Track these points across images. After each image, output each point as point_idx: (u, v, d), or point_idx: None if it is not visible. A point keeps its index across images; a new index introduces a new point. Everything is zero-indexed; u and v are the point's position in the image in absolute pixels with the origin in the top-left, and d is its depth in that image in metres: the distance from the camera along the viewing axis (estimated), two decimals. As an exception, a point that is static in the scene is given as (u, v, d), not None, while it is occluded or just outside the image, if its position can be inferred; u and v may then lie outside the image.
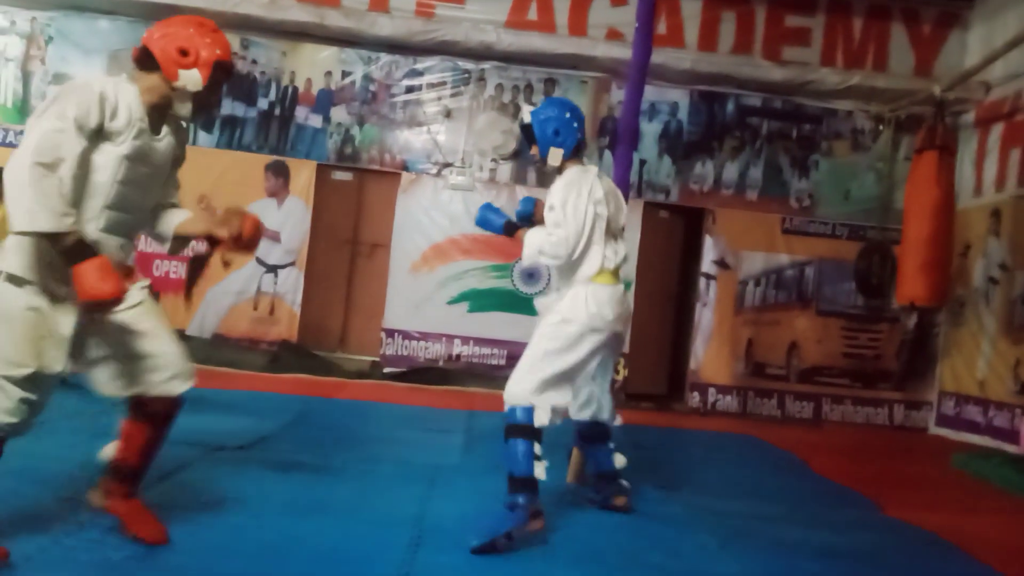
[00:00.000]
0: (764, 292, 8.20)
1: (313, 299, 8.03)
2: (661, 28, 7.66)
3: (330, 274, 8.15)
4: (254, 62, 8.04)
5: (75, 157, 2.37)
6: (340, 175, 8.19)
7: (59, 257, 2.33)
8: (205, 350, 7.73)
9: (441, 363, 8.00)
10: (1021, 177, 7.14)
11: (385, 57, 8.07)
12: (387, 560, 2.76)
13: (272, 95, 8.07)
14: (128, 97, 2.53)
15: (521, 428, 3.23)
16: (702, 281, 8.19)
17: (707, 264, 8.18)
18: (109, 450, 2.74)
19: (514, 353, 7.96)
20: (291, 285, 7.94)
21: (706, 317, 8.17)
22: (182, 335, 7.75)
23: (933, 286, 6.81)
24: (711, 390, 8.09)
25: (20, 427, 2.43)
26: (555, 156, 3.51)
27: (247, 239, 2.77)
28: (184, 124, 2.82)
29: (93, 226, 2.48)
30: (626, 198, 4.46)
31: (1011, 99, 7.40)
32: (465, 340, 8.01)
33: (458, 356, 8.01)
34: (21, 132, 7.86)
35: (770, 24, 8.05)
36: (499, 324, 7.98)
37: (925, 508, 4.34)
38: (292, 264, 7.92)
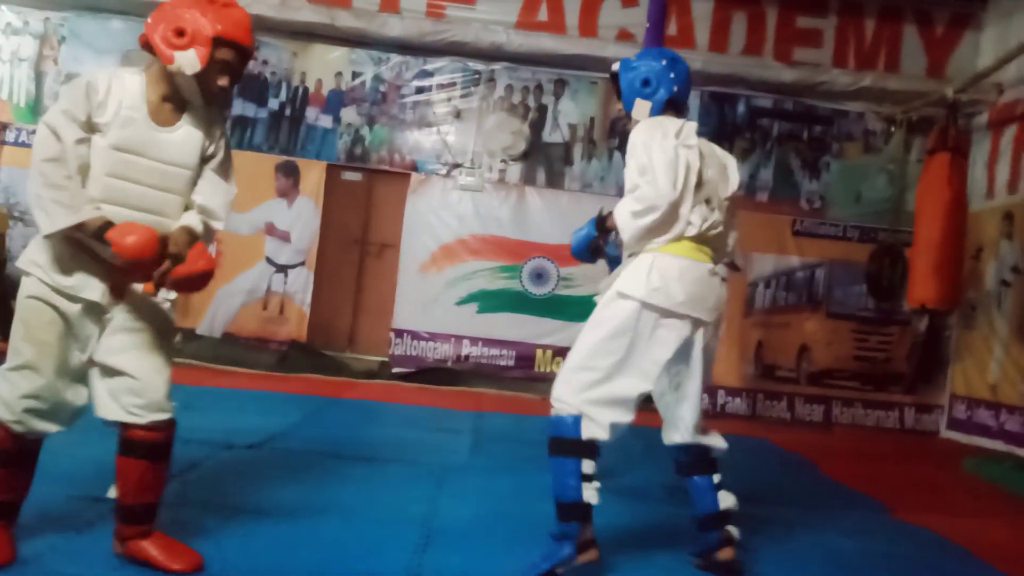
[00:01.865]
0: (774, 294, 8.17)
1: (322, 299, 8.05)
2: (672, 29, 7.63)
3: (339, 274, 8.17)
4: (265, 63, 8.07)
5: (72, 147, 2.32)
6: (350, 175, 8.20)
7: (93, 243, 2.31)
8: (215, 349, 7.78)
9: (450, 363, 8.00)
10: (1034, 179, 7.10)
11: (395, 58, 8.09)
12: (395, 560, 2.75)
13: (283, 95, 8.10)
14: (125, 87, 2.41)
15: (567, 443, 2.64)
16: (712, 283, 8.15)
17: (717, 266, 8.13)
18: (112, 491, 2.55)
19: (523, 354, 7.98)
20: (301, 285, 7.96)
21: (716, 319, 8.13)
22: (192, 334, 7.80)
23: (945, 289, 6.77)
24: (720, 392, 8.06)
25: (30, 425, 2.41)
26: (641, 110, 2.87)
27: (184, 275, 2.40)
28: (219, 117, 2.62)
29: None
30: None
31: (1024, 101, 7.35)
32: (474, 341, 8.01)
33: (467, 357, 8.01)
34: (34, 131, 7.95)
35: (781, 25, 8.03)
36: (508, 325, 7.98)
37: (936, 512, 4.31)
38: (302, 264, 7.94)
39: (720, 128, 8.17)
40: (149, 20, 2.44)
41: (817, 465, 5.52)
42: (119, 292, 2.43)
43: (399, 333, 8.01)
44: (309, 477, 3.85)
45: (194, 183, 2.56)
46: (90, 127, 2.37)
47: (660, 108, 2.86)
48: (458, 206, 8.09)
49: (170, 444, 2.53)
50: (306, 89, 8.11)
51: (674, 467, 2.99)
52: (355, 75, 8.12)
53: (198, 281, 2.46)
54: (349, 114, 8.13)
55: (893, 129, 8.16)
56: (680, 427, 2.86)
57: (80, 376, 2.46)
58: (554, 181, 8.21)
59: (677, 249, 2.71)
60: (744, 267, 8.12)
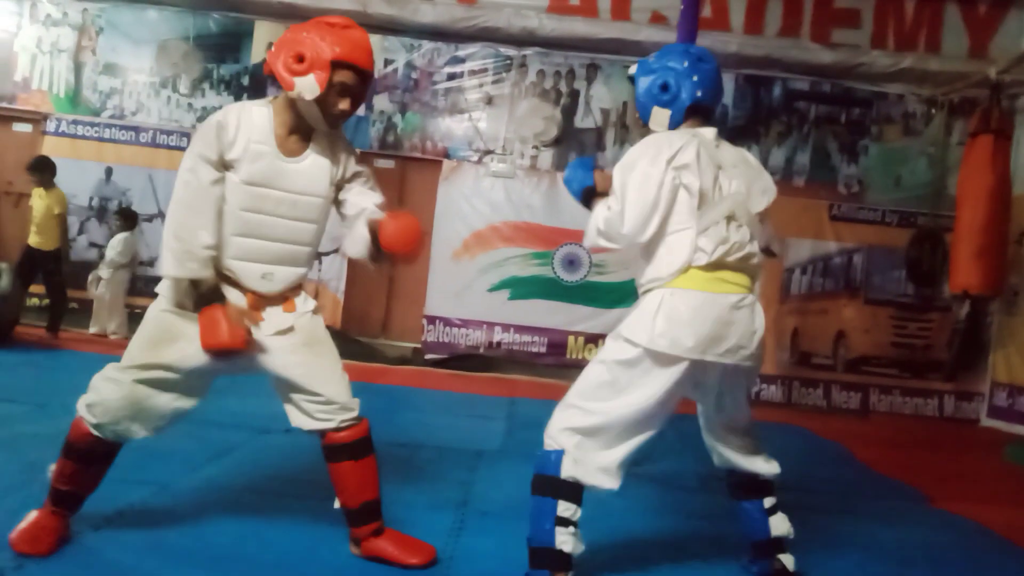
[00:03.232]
0: (811, 280, 8.06)
1: (356, 286, 8.11)
2: (706, 11, 7.52)
3: (373, 261, 8.20)
4: (298, 51, 8.09)
5: (208, 188, 2.39)
6: (382, 163, 8.23)
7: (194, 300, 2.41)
8: (251, 336, 7.88)
9: (482, 350, 8.02)
10: (1081, 162, 6.90)
11: (427, 44, 8.08)
12: (431, 543, 2.77)
13: (316, 83, 8.13)
14: (253, 121, 2.45)
15: (547, 481, 2.42)
16: (746, 269, 8.07)
17: (752, 251, 8.05)
18: (336, 502, 2.64)
19: (554, 341, 7.98)
20: (335, 272, 8.03)
21: (750, 305, 8.05)
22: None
23: (987, 274, 6.62)
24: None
25: (119, 428, 2.46)
26: (659, 119, 2.54)
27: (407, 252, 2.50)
28: (343, 139, 2.66)
29: (226, 254, 2.45)
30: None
31: (1071, 81, 7.14)
32: (506, 327, 8.02)
33: (499, 343, 8.02)
34: (74, 121, 8.12)
35: (819, 6, 7.87)
36: (540, 312, 7.97)
37: (976, 501, 4.24)
38: (336, 251, 8.00)
39: (755, 111, 8.07)
40: (272, 48, 2.47)
41: (854, 453, 5.45)
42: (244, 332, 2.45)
43: (431, 320, 8.05)
44: (344, 462, 3.88)
45: (327, 210, 2.61)
46: (223, 165, 2.42)
47: (682, 116, 2.52)
48: (490, 193, 8.08)
49: (368, 439, 2.61)
50: (339, 77, 8.13)
51: (727, 489, 2.79)
52: (387, 62, 8.14)
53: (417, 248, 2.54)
54: (382, 101, 8.15)
55: (934, 111, 7.98)
56: (717, 451, 2.69)
57: (190, 389, 2.52)
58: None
59: (690, 282, 2.38)
60: (781, 253, 8.02)
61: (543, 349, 7.99)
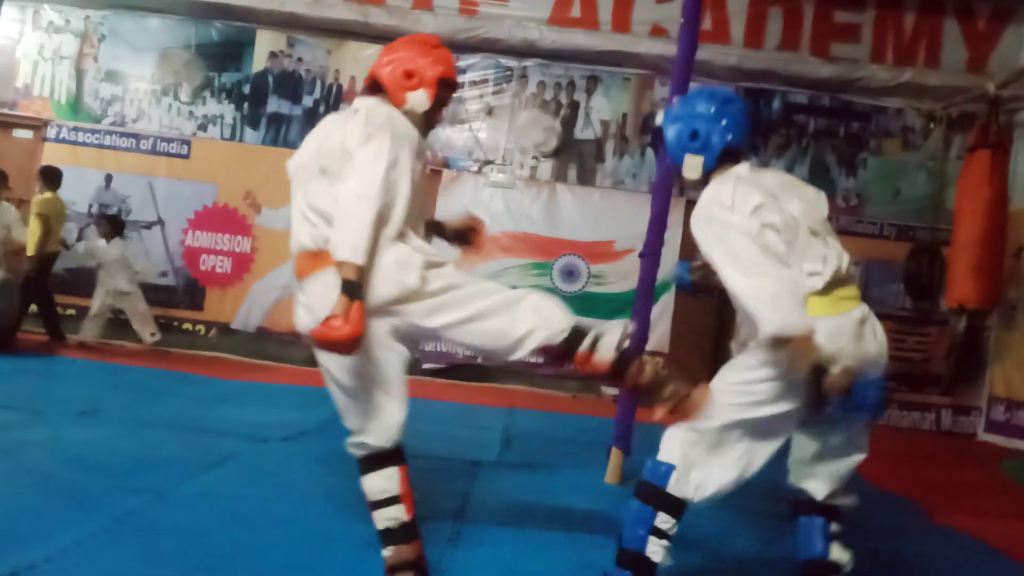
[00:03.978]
0: (808, 292, 8.05)
1: (355, 295, 8.09)
2: (706, 24, 7.57)
3: (372, 270, 8.20)
4: (299, 60, 8.14)
5: (407, 183, 2.40)
6: (382, 172, 8.23)
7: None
8: (250, 344, 7.89)
9: (480, 360, 8.01)
10: (1079, 177, 6.92)
11: (428, 55, 8.10)
12: (427, 554, 2.77)
13: (317, 92, 8.17)
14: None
15: (652, 490, 2.44)
16: (745, 281, 8.07)
17: (750, 263, 8.06)
18: None
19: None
20: (333, 280, 8.01)
21: (749, 317, 8.05)
22: (227, 329, 7.92)
23: (984, 288, 6.64)
24: (753, 391, 7.97)
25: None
26: (691, 167, 2.56)
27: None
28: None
29: (415, 231, 2.50)
30: (669, 196, 4.43)
31: (1069, 96, 7.17)
32: (505, 337, 7.99)
33: (497, 353, 7.99)
34: (74, 128, 8.12)
35: (818, 19, 7.91)
36: (539, 322, 7.95)
37: (973, 515, 4.23)
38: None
39: (754, 124, 8.08)
40: (375, 65, 2.67)
41: (851, 466, 5.43)
42: None
43: (430, 329, 8.03)
44: (341, 471, 3.87)
45: None
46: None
47: (715, 161, 2.52)
48: (489, 203, 8.10)
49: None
50: (340, 86, 8.17)
51: (790, 506, 2.69)
52: (388, 72, 8.15)
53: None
54: (382, 111, 8.16)
55: (932, 125, 8.01)
56: (801, 474, 2.62)
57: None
58: (586, 178, 8.18)
59: (814, 311, 2.31)
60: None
61: (541, 359, 7.97)
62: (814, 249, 2.43)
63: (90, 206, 8.09)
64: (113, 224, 7.59)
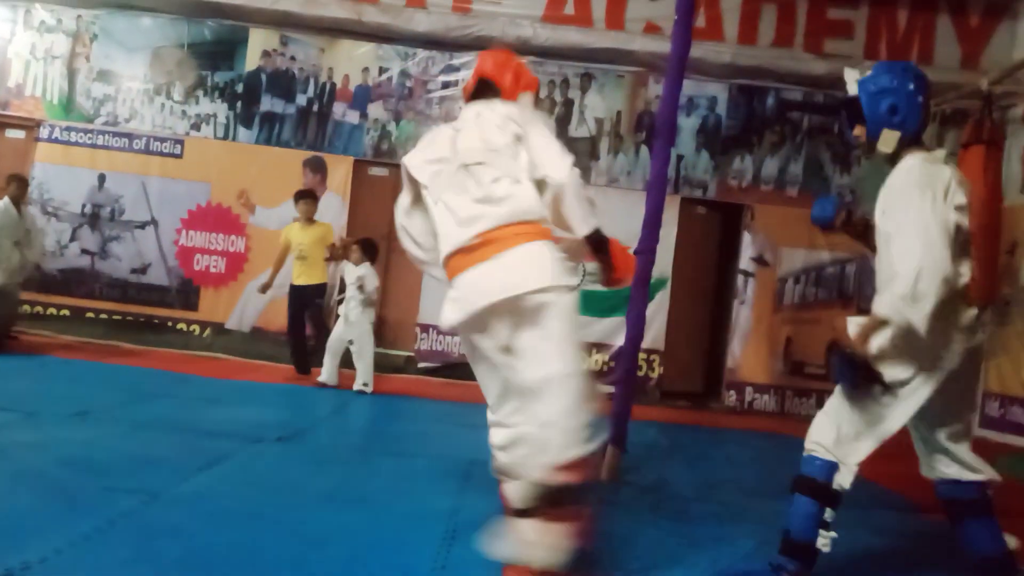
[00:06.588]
0: (804, 290, 8.08)
1: (350, 294, 8.08)
2: (700, 21, 7.56)
3: (366, 269, 8.19)
4: (293, 59, 8.12)
5: None
6: (377, 171, 8.23)
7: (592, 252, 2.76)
8: (244, 343, 7.86)
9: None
10: (1072, 173, 6.93)
11: (422, 53, 8.10)
12: (422, 553, 2.76)
13: (310, 91, 8.15)
14: None
15: (816, 486, 2.66)
16: (740, 278, 8.09)
17: (745, 261, 8.08)
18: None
19: (549, 349, 7.95)
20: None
21: (744, 315, 8.07)
22: (222, 328, 7.90)
23: (980, 285, 6.63)
24: (748, 389, 7.99)
25: None
26: (889, 140, 2.70)
27: None
28: None
29: None
30: (663, 194, 4.43)
31: (1062, 92, 7.18)
32: (500, 336, 7.99)
33: (493, 351, 7.99)
34: (67, 128, 8.08)
35: (812, 16, 7.92)
36: (534, 320, 7.95)
37: (969, 511, 4.23)
38: (329, 259, 7.97)
39: (748, 121, 8.10)
40: (483, 69, 3.13)
41: (847, 462, 5.44)
42: None
43: (425, 328, 8.03)
44: (336, 470, 3.87)
45: None
46: None
47: (911, 136, 2.71)
48: (484, 201, 8.07)
49: None
50: (333, 85, 8.15)
51: (948, 518, 2.85)
52: (382, 70, 8.15)
53: None
54: (376, 110, 8.15)
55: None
56: (939, 463, 2.85)
57: None
58: (580, 176, 8.15)
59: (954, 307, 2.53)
60: (773, 262, 8.04)
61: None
62: (967, 253, 2.64)
63: (83, 206, 8.06)
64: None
